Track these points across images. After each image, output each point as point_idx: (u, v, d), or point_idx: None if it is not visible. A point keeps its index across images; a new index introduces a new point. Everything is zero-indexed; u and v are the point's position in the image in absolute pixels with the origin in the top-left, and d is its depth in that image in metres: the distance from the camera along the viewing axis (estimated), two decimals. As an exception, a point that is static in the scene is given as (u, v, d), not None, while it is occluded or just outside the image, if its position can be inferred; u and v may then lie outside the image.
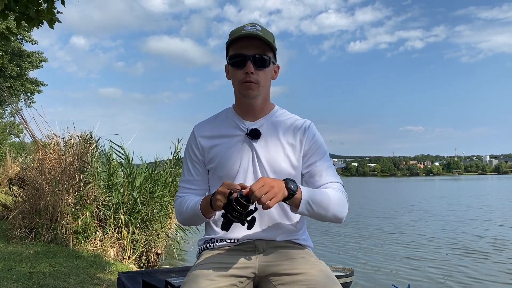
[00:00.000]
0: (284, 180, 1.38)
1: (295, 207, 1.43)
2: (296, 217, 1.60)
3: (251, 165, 1.55)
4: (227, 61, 1.59)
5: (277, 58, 1.61)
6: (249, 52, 1.51)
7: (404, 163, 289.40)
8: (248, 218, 1.33)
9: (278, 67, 1.63)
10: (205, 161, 1.62)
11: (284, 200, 1.38)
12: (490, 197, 29.63)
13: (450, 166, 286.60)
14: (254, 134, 1.56)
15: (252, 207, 1.32)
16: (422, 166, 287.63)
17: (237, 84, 1.56)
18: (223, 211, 1.35)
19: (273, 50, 1.56)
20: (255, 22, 1.56)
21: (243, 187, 1.33)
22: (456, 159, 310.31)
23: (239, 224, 1.34)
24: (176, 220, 6.61)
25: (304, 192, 1.42)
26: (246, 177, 1.54)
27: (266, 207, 1.30)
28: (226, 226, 1.35)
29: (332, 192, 1.50)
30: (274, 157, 1.56)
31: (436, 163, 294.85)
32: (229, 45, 1.56)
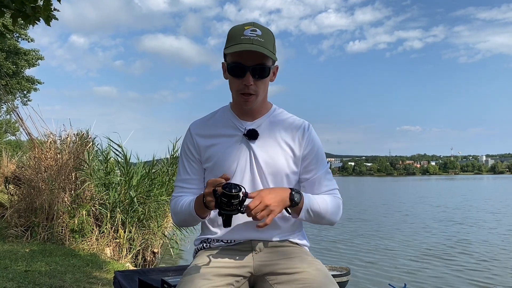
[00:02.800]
0: (290, 190, 1.42)
1: (295, 214, 1.47)
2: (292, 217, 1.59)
3: (248, 166, 1.54)
4: (225, 64, 1.53)
5: (280, 58, 1.54)
6: (249, 63, 1.44)
7: (400, 162, 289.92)
8: (245, 204, 1.32)
9: (277, 68, 1.58)
10: (202, 160, 1.60)
11: (285, 208, 1.42)
12: (478, 198, 29.25)
13: (447, 166, 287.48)
14: (252, 135, 1.54)
15: (241, 193, 1.30)
16: (418, 165, 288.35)
17: (234, 91, 1.52)
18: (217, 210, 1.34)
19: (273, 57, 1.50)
20: (255, 24, 1.47)
21: (227, 178, 1.32)
22: (452, 159, 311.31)
23: (243, 213, 1.34)
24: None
25: (306, 201, 1.45)
26: (243, 178, 1.52)
27: (263, 224, 1.34)
28: (226, 223, 1.34)
29: (329, 198, 1.54)
30: (272, 158, 1.54)
31: (433, 163, 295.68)
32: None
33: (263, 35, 1.45)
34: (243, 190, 1.30)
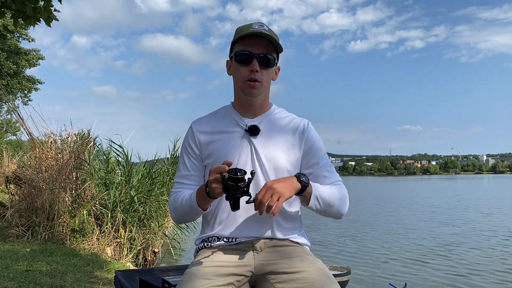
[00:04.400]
0: (295, 175, 1.44)
1: (305, 202, 1.49)
2: (293, 216, 1.60)
3: (249, 161, 1.56)
4: (231, 57, 1.60)
5: (280, 57, 1.63)
6: (256, 51, 1.53)
7: (401, 162, 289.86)
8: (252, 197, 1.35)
9: (279, 69, 1.65)
10: (202, 157, 1.62)
11: (297, 194, 1.44)
12: (469, 199, 28.64)
13: (447, 166, 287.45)
14: (253, 130, 1.57)
15: (247, 176, 1.32)
16: (419, 165, 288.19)
17: (240, 80, 1.57)
18: (224, 195, 1.36)
19: (277, 51, 1.58)
20: (262, 22, 1.58)
21: (229, 164, 1.34)
22: (453, 158, 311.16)
23: (250, 198, 1.35)
24: (173, 219, 6.58)
25: (314, 187, 1.48)
26: None
27: (276, 210, 1.34)
28: (235, 206, 1.36)
29: (336, 188, 1.57)
30: (273, 153, 1.56)
31: (433, 163, 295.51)
32: (235, 42, 1.57)
33: (269, 31, 1.56)
34: (250, 174, 1.33)
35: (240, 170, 1.30)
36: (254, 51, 1.53)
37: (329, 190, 1.53)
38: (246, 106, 1.62)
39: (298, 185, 1.42)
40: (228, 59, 1.64)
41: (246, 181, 1.31)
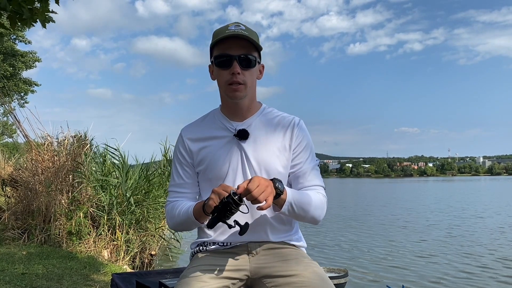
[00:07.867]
0: (271, 179, 1.38)
1: (278, 207, 1.45)
2: (288, 218, 1.59)
3: (240, 166, 1.54)
4: (212, 61, 1.57)
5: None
6: (235, 52, 1.49)
7: (398, 164, 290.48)
8: (242, 224, 1.33)
9: (263, 67, 1.62)
10: (194, 164, 1.61)
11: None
12: (462, 201, 28.41)
13: (444, 167, 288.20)
14: (242, 135, 1.54)
15: (243, 209, 1.32)
16: (416, 167, 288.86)
17: (223, 85, 1.54)
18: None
19: (258, 50, 1.54)
20: (239, 22, 1.54)
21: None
22: (449, 160, 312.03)
23: (229, 228, 1.35)
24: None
25: (289, 193, 1.43)
26: (235, 178, 1.53)
27: (266, 206, 1.30)
28: (211, 223, 1.36)
29: (313, 195, 1.52)
30: (263, 156, 1.54)
31: (430, 164, 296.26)
32: (213, 45, 1.54)
33: (247, 29, 1.52)
34: (247, 209, 1.34)
35: (241, 199, 1.30)
36: (233, 53, 1.48)
37: (305, 196, 1.48)
38: (233, 110, 1.59)
39: (273, 191, 1.36)
40: (210, 64, 1.59)
41: (236, 208, 1.30)
